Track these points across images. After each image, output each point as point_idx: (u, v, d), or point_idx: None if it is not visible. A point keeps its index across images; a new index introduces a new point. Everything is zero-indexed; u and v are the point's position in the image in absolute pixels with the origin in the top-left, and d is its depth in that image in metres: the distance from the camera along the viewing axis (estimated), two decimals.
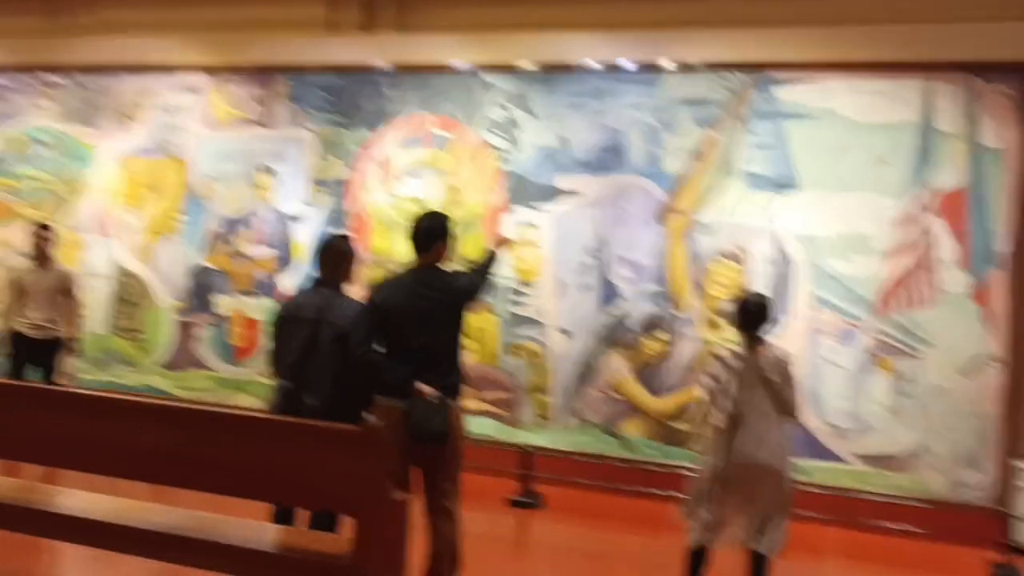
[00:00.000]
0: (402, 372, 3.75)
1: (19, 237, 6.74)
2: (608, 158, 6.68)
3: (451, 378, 3.90)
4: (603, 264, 6.63)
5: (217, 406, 6.92)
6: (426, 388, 3.73)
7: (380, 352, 3.85)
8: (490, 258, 4.22)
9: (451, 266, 4.15)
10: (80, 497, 3.59)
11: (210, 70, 7.72)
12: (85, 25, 7.39)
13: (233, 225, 7.65)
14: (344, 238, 4.39)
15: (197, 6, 7.13)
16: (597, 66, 6.66)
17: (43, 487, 3.77)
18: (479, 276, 4.12)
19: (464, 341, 4.05)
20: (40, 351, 6.40)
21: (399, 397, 3.73)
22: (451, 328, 3.95)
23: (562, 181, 6.79)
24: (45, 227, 6.55)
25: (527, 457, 6.39)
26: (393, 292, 3.98)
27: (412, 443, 3.68)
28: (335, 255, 4.20)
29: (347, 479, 3.03)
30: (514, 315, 6.82)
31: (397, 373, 3.76)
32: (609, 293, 6.61)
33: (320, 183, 7.40)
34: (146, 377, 7.80)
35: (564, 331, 6.70)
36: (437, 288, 3.94)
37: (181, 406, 3.52)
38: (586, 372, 6.65)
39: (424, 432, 3.72)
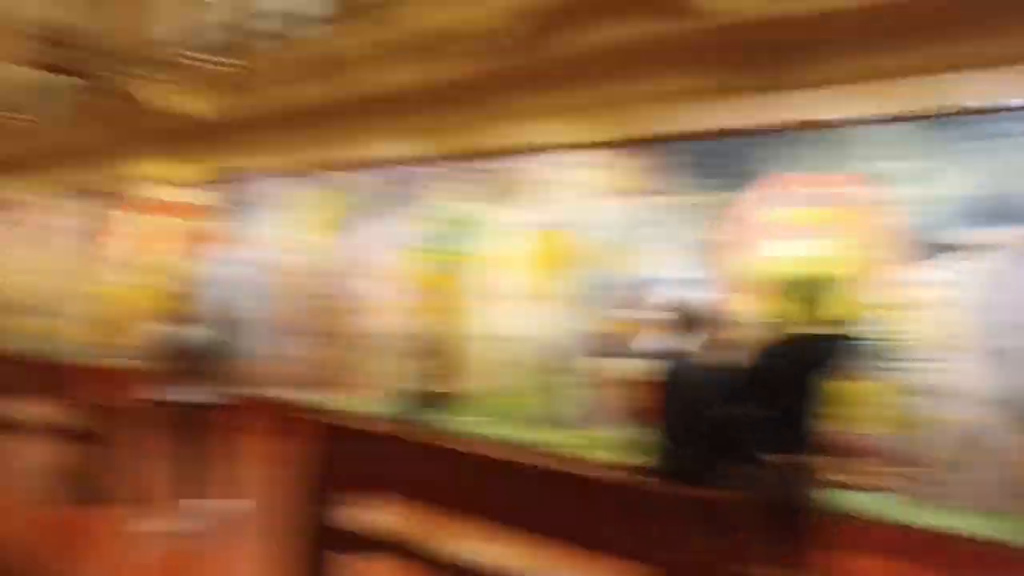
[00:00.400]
0: (758, 436, 3.68)
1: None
2: (1016, 207, 5.92)
3: (813, 446, 3.73)
4: (1015, 326, 5.84)
5: (599, 465, 7.19)
6: (787, 457, 3.60)
7: (742, 415, 3.82)
8: (864, 322, 4.01)
9: (824, 329, 3.99)
10: (475, 541, 3.94)
11: (594, 145, 8.24)
12: (471, 116, 8.45)
13: (618, 290, 8.00)
14: (708, 303, 4.43)
15: (580, 87, 7.72)
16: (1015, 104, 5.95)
17: (442, 531, 4.20)
18: (850, 340, 3.91)
19: (833, 408, 3.85)
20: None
21: (758, 463, 3.65)
22: (816, 393, 3.79)
23: (960, 235, 6.14)
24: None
25: (931, 539, 5.77)
26: (761, 355, 3.93)
27: (770, 513, 3.57)
28: (700, 320, 4.25)
29: (700, 547, 3.00)
30: (910, 382, 6.24)
31: (752, 437, 3.70)
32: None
33: (697, 247, 7.49)
34: (540, 434, 8.28)
35: (972, 400, 5.98)
36: (805, 351, 3.81)
37: (543, 464, 3.71)
38: (996, 447, 5.86)
39: (782, 502, 3.58)
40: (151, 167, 13.65)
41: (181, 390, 5.84)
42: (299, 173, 11.22)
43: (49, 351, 14.86)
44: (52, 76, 16.87)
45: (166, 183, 13.31)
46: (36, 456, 7.27)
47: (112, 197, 14.70)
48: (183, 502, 5.91)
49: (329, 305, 10.62)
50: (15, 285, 17.02)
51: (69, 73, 16.76)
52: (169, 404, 5.91)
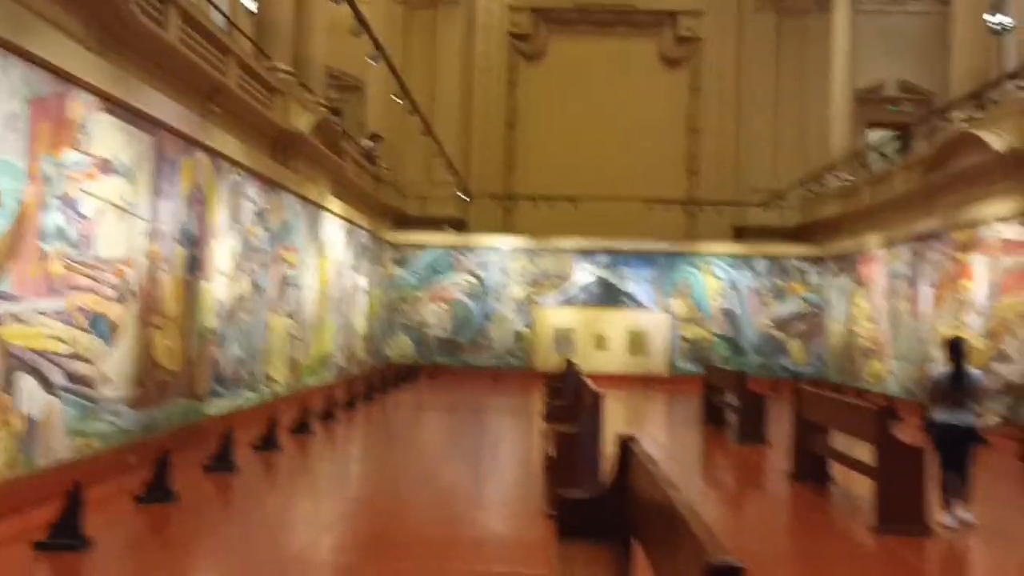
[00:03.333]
0: None
1: None
2: None
3: None
4: None
5: None
6: None
7: None
8: None
9: None
10: None
11: None
12: None
13: None
14: None
15: None
16: None
17: None
18: None
19: None
20: None
21: None
22: None
23: None
24: None
25: None
26: None
27: None
28: None
29: None
30: None
31: None
32: None
33: None
34: None
35: None
36: None
37: None
38: None
39: None
40: (988, 207, 13.59)
41: (953, 415, 6.97)
42: None
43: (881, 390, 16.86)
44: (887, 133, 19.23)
45: (1007, 221, 13.06)
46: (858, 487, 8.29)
47: (944, 240, 15.06)
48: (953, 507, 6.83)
49: None
50: (861, 330, 18.70)
51: (905, 128, 19.09)
52: (943, 426, 7.02)
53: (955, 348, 7.16)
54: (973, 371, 7.13)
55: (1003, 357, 12.77)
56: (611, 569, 3.94)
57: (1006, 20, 15.42)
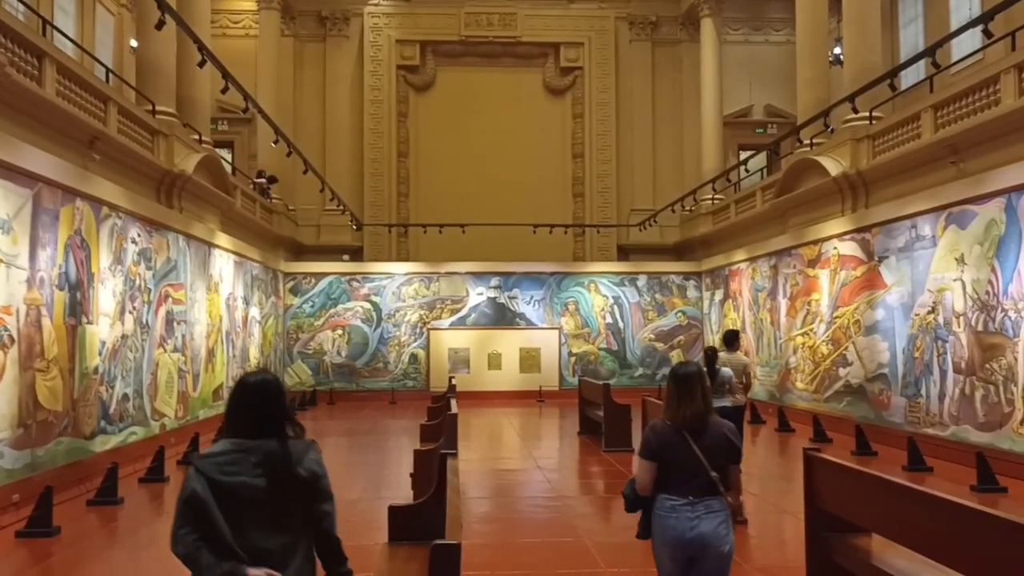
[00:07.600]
0: None
1: None
2: None
3: None
4: None
5: None
6: None
7: None
8: None
9: None
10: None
11: None
12: None
13: None
14: None
15: None
16: None
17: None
18: None
19: None
20: None
21: None
22: None
23: None
24: None
25: None
26: None
27: None
28: None
29: None
30: None
31: None
32: None
33: None
34: None
35: None
36: None
37: None
38: None
39: None
40: (828, 225, 14.83)
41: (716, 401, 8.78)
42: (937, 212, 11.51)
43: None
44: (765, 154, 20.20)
45: (842, 238, 14.36)
46: None
47: (795, 256, 16.34)
48: None
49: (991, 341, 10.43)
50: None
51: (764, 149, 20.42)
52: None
53: (709, 355, 9.13)
54: (724, 370, 8.95)
55: (844, 361, 14.14)
56: (426, 565, 4.70)
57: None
